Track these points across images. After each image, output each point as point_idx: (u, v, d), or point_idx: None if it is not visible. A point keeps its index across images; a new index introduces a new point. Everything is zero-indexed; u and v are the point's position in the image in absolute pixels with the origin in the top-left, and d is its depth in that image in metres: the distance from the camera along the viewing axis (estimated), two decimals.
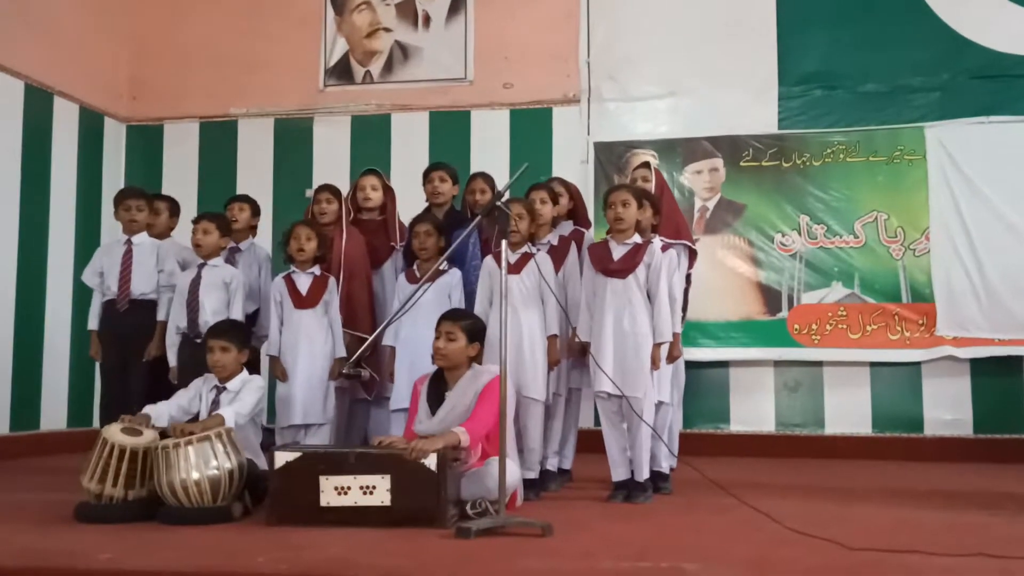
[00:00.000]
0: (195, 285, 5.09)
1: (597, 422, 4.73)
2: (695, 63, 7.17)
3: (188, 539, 3.42)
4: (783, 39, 7.09)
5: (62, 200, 7.20)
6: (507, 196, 4.03)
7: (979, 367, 6.61)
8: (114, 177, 7.73)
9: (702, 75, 7.16)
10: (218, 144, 7.86)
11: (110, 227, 6.95)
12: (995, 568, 2.91)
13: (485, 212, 3.93)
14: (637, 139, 7.26)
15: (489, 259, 4.81)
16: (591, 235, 5.28)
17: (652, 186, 5.06)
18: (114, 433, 3.90)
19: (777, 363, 6.95)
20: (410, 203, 5.60)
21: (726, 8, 7.20)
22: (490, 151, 7.31)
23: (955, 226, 6.66)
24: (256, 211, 5.81)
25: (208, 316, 4.98)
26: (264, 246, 5.94)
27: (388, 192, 5.54)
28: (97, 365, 5.61)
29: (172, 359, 5.12)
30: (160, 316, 5.31)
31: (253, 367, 4.75)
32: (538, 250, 4.79)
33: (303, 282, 5.03)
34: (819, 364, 6.89)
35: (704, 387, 6.88)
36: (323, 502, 3.67)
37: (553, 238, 5.00)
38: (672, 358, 4.76)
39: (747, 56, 7.12)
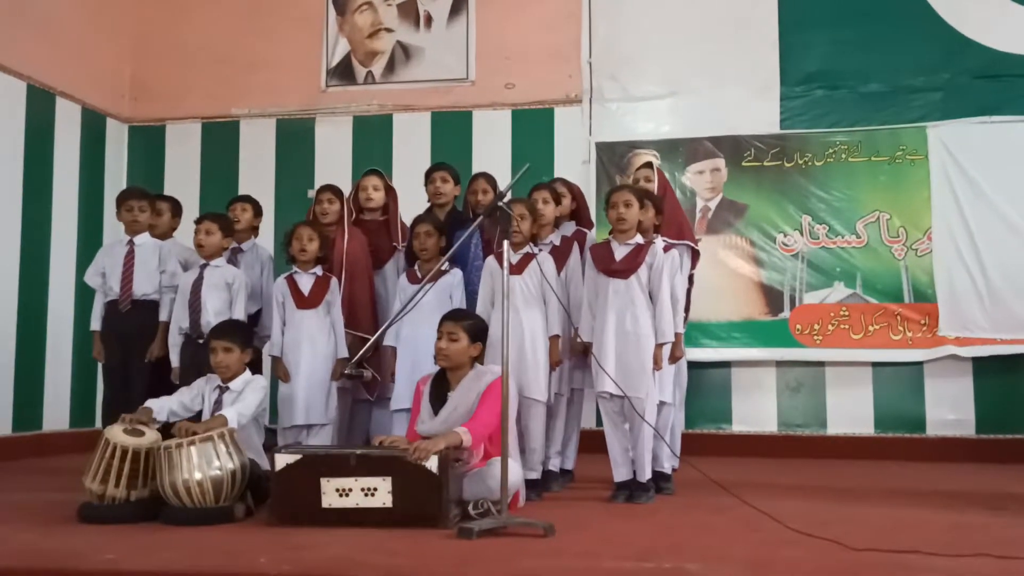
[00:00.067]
0: (197, 286, 5.09)
1: (599, 422, 4.72)
2: (697, 63, 7.17)
3: (190, 539, 3.43)
4: (785, 39, 7.08)
5: (64, 201, 7.21)
6: (509, 196, 4.03)
7: (981, 367, 6.61)
8: (116, 177, 7.74)
9: (704, 75, 7.16)
10: (220, 144, 7.86)
11: (112, 227, 6.95)
12: (997, 568, 2.91)
13: (487, 212, 3.93)
14: (639, 139, 7.26)
15: (491, 259, 4.81)
16: (593, 235, 5.27)
17: (655, 186, 5.06)
18: (116, 433, 3.90)
19: (779, 363, 6.94)
20: (412, 203, 5.60)
21: (728, 8, 7.20)
22: (492, 151, 7.31)
23: (957, 226, 6.66)
24: (258, 211, 5.82)
25: (210, 317, 4.98)
26: (266, 246, 5.95)
27: (390, 192, 5.54)
28: (99, 366, 5.61)
29: (174, 360, 5.13)
30: (162, 317, 5.31)
31: (255, 367, 4.75)
32: (540, 250, 4.79)
33: (305, 283, 5.03)
34: (821, 364, 6.89)
35: (706, 387, 6.88)
36: (324, 504, 3.67)
37: (555, 238, 5.00)
38: (674, 358, 4.75)
39: (749, 56, 7.12)
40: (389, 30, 7.78)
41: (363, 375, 5.02)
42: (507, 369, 3.61)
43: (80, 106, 7.43)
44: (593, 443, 5.05)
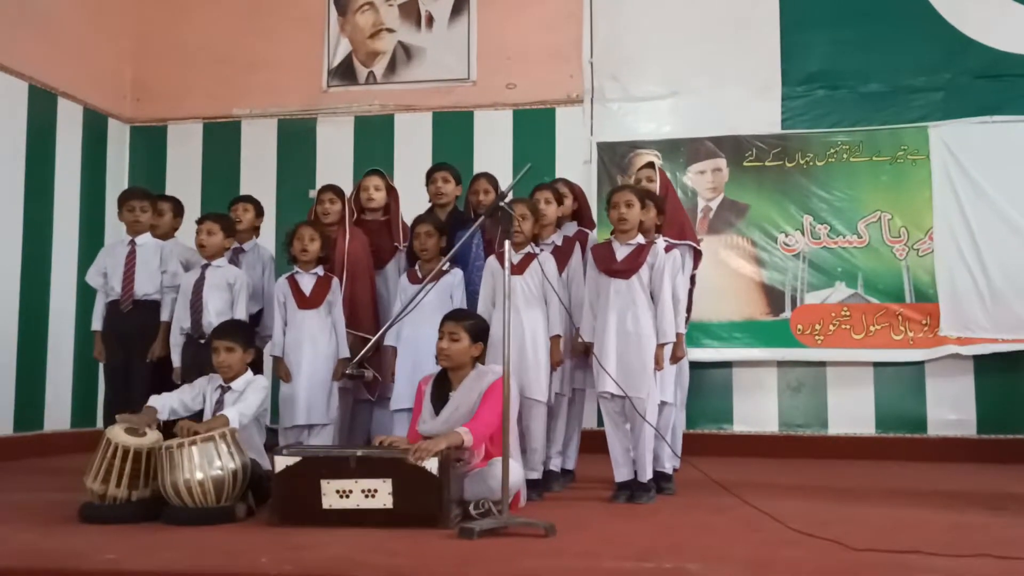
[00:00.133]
0: (199, 286, 5.10)
1: (600, 422, 4.72)
2: (698, 63, 7.17)
3: (192, 539, 3.43)
4: (786, 39, 7.09)
5: (66, 201, 7.21)
6: (510, 196, 4.03)
7: (983, 367, 6.61)
8: (118, 178, 7.75)
9: (705, 75, 7.16)
10: (221, 145, 7.87)
11: (114, 227, 6.96)
12: (997, 569, 2.91)
13: (489, 212, 3.93)
14: (640, 139, 7.26)
15: (492, 259, 4.80)
16: (595, 236, 5.27)
17: (657, 186, 5.06)
18: (118, 433, 3.90)
19: (780, 363, 6.94)
20: (413, 203, 5.60)
21: (729, 8, 7.20)
22: (493, 151, 7.32)
23: (959, 226, 6.66)
24: (260, 212, 5.82)
25: (212, 317, 4.99)
26: (268, 247, 5.94)
27: (392, 192, 5.54)
28: (101, 366, 5.62)
29: (176, 360, 5.13)
30: (164, 317, 5.31)
31: (256, 367, 4.76)
32: (541, 250, 4.79)
33: (306, 283, 5.04)
34: (822, 364, 6.89)
35: (707, 387, 6.88)
36: (325, 505, 3.67)
37: (557, 238, 5.00)
38: (676, 359, 4.75)
39: (750, 56, 7.12)
40: (390, 30, 7.78)
41: (364, 375, 5.01)
42: (508, 369, 3.61)
43: (82, 106, 7.44)
44: (594, 443, 5.05)
